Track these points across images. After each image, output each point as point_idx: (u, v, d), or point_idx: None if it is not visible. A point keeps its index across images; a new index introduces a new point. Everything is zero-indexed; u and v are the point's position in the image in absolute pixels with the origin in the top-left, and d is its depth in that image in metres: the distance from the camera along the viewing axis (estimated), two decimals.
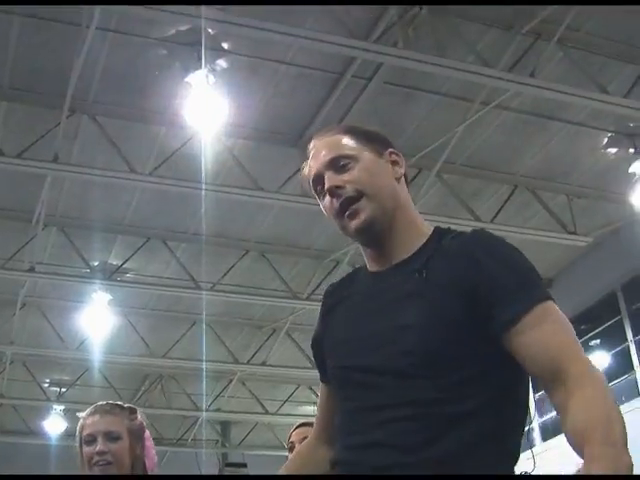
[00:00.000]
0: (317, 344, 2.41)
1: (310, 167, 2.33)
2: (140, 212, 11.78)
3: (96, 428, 3.47)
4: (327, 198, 2.26)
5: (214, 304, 13.72)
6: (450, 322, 2.07)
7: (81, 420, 3.52)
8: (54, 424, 17.67)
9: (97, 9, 7.81)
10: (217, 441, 19.81)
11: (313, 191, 2.33)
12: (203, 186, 10.08)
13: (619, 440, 1.86)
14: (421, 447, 2.01)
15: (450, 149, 10.27)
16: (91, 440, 3.45)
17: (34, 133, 9.75)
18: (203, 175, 9.90)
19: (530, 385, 2.22)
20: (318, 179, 2.29)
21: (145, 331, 14.85)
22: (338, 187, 2.22)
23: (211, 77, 8.91)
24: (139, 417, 3.59)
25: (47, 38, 8.80)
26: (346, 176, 2.23)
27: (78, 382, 16.61)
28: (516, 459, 2.15)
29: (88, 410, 3.53)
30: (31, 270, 12.05)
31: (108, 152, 10.01)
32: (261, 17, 7.86)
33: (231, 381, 16.96)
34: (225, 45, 8.98)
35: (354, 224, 2.22)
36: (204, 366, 14.62)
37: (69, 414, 17.17)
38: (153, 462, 3.61)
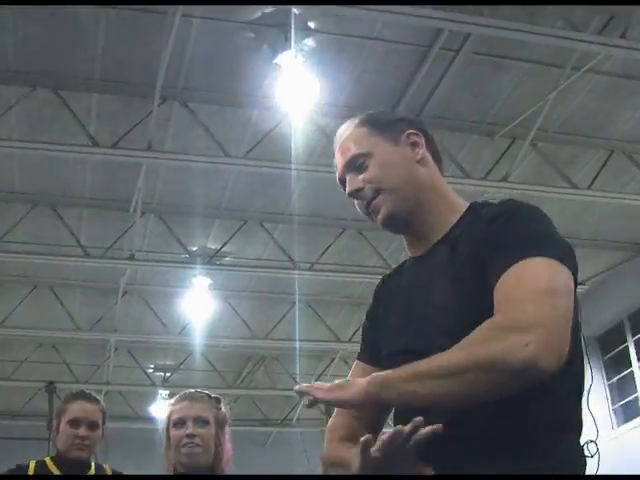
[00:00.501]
0: (367, 323, 2.43)
1: (335, 167, 2.36)
2: (236, 195, 11.79)
3: (186, 413, 3.67)
4: (354, 200, 2.32)
5: (313, 283, 13.70)
6: (480, 296, 2.02)
7: (170, 406, 3.75)
8: (160, 408, 17.94)
9: None
10: (321, 420, 19.88)
11: (342, 189, 2.36)
12: (294, 167, 10.04)
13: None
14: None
15: (543, 117, 10.01)
16: (181, 423, 3.66)
17: (127, 123, 9.82)
18: (293, 155, 9.85)
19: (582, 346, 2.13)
20: (342, 182, 2.34)
21: (246, 313, 14.91)
22: (357, 190, 2.27)
23: (300, 57, 8.83)
24: (223, 408, 3.73)
25: (134, 29, 8.83)
26: (363, 176, 2.25)
27: (182, 366, 16.83)
28: (575, 425, 2.10)
29: (177, 397, 3.77)
30: (131, 258, 12.19)
31: (201, 137, 10.03)
32: None
33: (333, 360, 16.97)
34: (311, 24, 8.87)
35: (379, 220, 2.27)
36: (297, 345, 14.61)
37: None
38: (228, 455, 3.74)
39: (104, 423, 4.25)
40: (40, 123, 10.04)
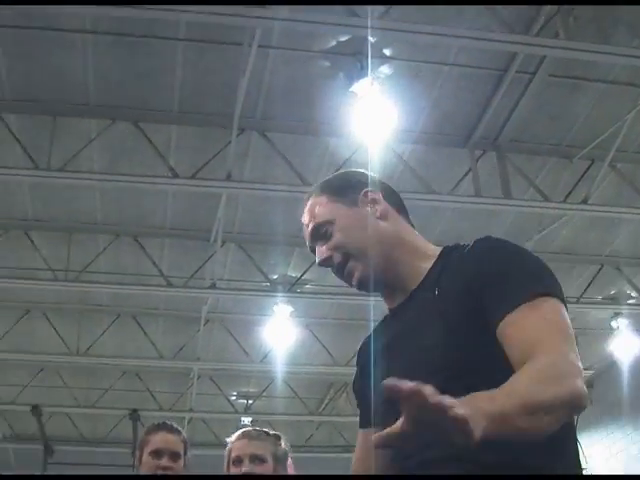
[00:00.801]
0: (356, 393, 2.48)
1: (304, 238, 2.40)
2: None
3: (243, 451, 3.75)
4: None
5: None
6: (468, 333, 2.02)
7: (229, 444, 3.75)
8: None
9: (258, 30, 7.90)
10: None
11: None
12: None
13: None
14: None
15: (621, 137, 9.81)
16: (238, 461, 3.76)
17: (206, 153, 9.91)
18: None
19: None
20: (312, 251, 2.39)
21: (327, 340, 14.88)
22: (326, 259, 2.31)
23: (375, 84, 8.82)
24: (283, 444, 3.75)
25: (211, 60, 8.93)
26: (328, 244, 2.30)
27: (264, 394, 16.88)
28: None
29: (236, 434, 3.78)
30: (212, 287, 12.27)
31: (279, 166, 10.06)
32: (421, 21, 7.76)
33: None
34: (387, 52, 8.87)
35: (355, 285, 2.31)
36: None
37: (257, 425, 17.45)
38: None
39: (186, 453, 4.23)
40: (120, 155, 10.21)
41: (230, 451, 3.78)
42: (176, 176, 9.95)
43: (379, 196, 2.35)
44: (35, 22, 8.34)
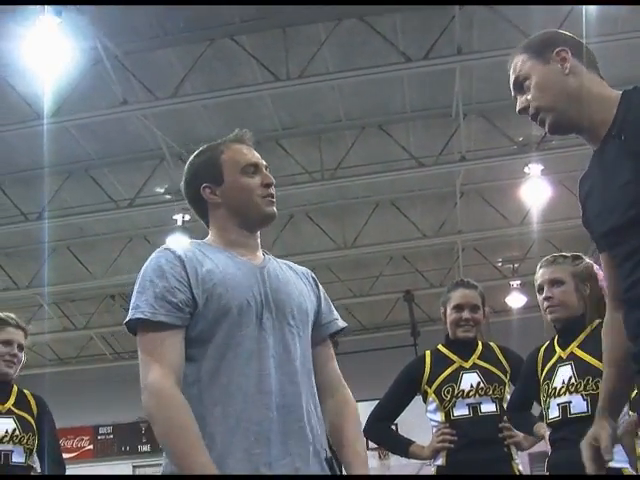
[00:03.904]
0: (583, 222, 2.73)
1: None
2: None
3: (542, 279, 4.04)
4: None
5: None
6: None
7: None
8: (515, 299, 18.24)
9: None
10: None
11: None
12: None
13: None
14: None
15: None
16: (540, 289, 4.04)
17: (432, 33, 10.05)
18: None
19: None
20: (515, 100, 2.69)
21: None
22: (523, 109, 2.63)
23: None
24: (584, 261, 3.97)
25: None
26: (525, 97, 2.62)
27: (528, 255, 16.94)
28: None
29: (538, 266, 4.02)
30: (462, 159, 12.51)
31: (508, 32, 10.02)
32: None
33: None
34: None
35: (547, 131, 2.65)
36: None
37: (526, 287, 17.65)
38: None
39: (484, 305, 4.64)
40: (352, 51, 10.52)
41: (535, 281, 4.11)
42: (409, 60, 10.18)
43: (568, 54, 2.59)
44: None
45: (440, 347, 4.69)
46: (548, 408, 3.99)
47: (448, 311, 4.62)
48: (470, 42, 10.45)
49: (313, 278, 2.97)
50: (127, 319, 2.56)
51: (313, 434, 2.58)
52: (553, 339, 4.12)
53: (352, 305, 18.55)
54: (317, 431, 2.60)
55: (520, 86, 2.63)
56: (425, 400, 4.59)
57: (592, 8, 9.67)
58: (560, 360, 3.95)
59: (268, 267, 2.76)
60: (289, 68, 10.36)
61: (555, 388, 3.96)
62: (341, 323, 2.94)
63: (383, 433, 4.74)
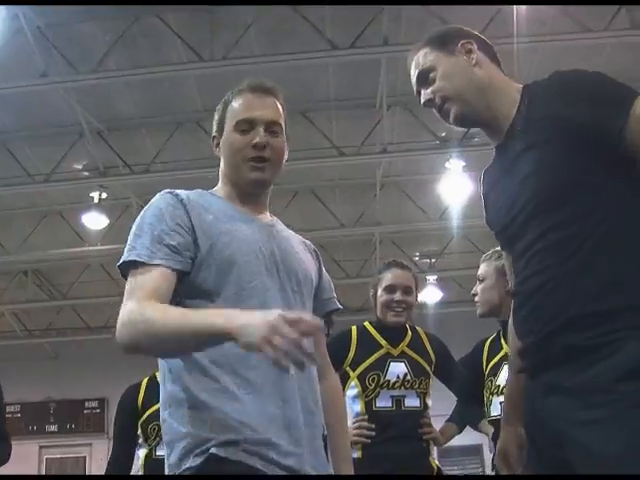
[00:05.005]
0: (487, 223, 2.78)
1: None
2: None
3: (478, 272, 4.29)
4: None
5: None
6: (560, 157, 2.33)
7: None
8: (429, 294, 18.33)
9: None
10: None
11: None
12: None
13: None
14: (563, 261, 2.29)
15: None
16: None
17: (360, 23, 10.09)
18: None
19: None
20: (418, 94, 2.68)
21: None
22: (429, 100, 2.61)
23: None
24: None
25: None
26: (431, 88, 2.60)
27: (446, 250, 17.10)
28: None
29: None
30: (384, 151, 12.55)
31: (434, 25, 10.04)
32: None
33: None
34: None
35: (450, 122, 2.60)
36: None
37: (442, 282, 17.81)
38: None
39: (417, 289, 4.51)
40: (278, 37, 10.49)
41: None
42: (335, 48, 10.18)
43: (474, 46, 2.60)
44: None
45: (368, 326, 4.48)
46: (490, 405, 3.99)
47: (379, 292, 4.41)
48: (397, 34, 10.47)
49: (315, 251, 2.88)
50: (121, 261, 2.39)
51: (318, 407, 2.50)
52: (499, 333, 4.13)
53: None
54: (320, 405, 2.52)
55: (425, 79, 2.62)
56: (344, 383, 4.26)
57: (522, 8, 9.78)
58: (506, 357, 3.87)
59: (276, 226, 2.67)
60: (214, 49, 10.28)
61: (498, 386, 3.95)
62: (338, 303, 2.86)
63: None
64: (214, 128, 2.69)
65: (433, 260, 17.65)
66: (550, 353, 2.29)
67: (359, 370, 4.27)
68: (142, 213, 2.47)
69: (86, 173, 13.19)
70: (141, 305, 2.26)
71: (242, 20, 10.18)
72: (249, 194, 2.64)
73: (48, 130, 12.58)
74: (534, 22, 10.13)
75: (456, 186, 13.76)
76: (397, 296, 4.36)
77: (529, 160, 2.39)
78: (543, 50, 10.60)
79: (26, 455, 16.79)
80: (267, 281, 2.46)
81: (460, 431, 4.53)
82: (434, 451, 4.41)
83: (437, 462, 4.37)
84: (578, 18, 10.04)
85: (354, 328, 4.44)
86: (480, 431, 4.28)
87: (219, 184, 2.69)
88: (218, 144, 2.67)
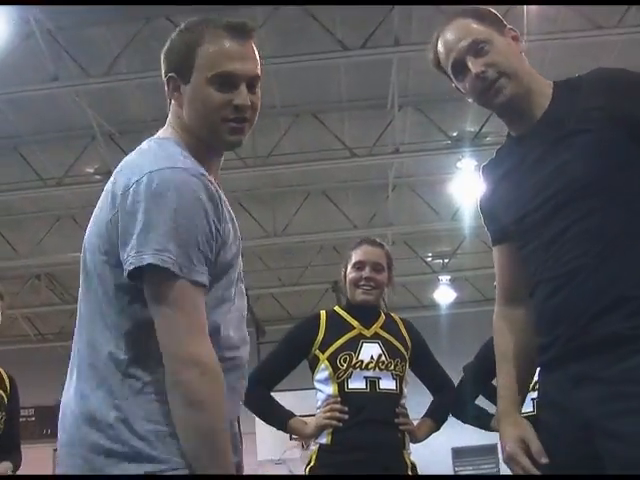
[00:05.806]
0: (486, 212, 2.68)
1: (447, 51, 2.53)
2: None
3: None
4: (471, 80, 2.48)
5: None
6: (607, 147, 2.32)
7: None
8: (443, 294, 18.34)
9: None
10: None
11: (450, 72, 2.55)
12: None
13: None
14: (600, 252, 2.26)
15: None
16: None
17: (371, 23, 10.07)
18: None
19: None
20: (458, 63, 2.50)
21: None
22: (482, 72, 2.44)
23: None
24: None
25: None
26: (485, 60, 2.45)
27: (458, 251, 17.07)
28: None
29: None
30: (396, 152, 12.53)
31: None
32: None
33: None
34: None
35: (499, 99, 2.46)
36: None
37: (456, 282, 17.78)
38: None
39: (390, 269, 4.21)
40: (289, 37, 10.47)
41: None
42: (346, 49, 10.16)
43: (519, 35, 2.56)
44: None
45: (337, 309, 4.23)
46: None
47: (348, 269, 4.15)
48: (408, 34, 10.43)
49: None
50: (146, 261, 1.95)
51: None
52: None
53: (281, 294, 18.54)
54: None
55: (478, 49, 2.46)
56: (314, 367, 4.07)
57: (533, 6, 9.75)
58: None
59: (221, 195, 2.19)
60: None
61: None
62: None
63: (262, 401, 4.12)
64: (170, 65, 2.25)
65: (446, 260, 17.63)
66: (584, 342, 2.24)
67: (329, 351, 4.02)
68: (169, 197, 1.98)
69: (98, 176, 13.17)
70: (219, 369, 2.02)
71: (253, 20, 10.14)
72: (216, 155, 2.30)
73: (60, 134, 12.59)
74: (544, 20, 10.11)
75: (468, 186, 13.71)
76: (365, 272, 4.10)
77: (569, 147, 2.36)
78: (553, 48, 10.56)
79: (40, 459, 16.80)
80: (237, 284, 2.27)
81: (437, 428, 4.29)
82: (409, 445, 4.10)
83: (412, 457, 4.09)
84: (589, 16, 9.99)
85: (323, 312, 4.19)
86: (492, 430, 4.09)
87: (171, 131, 2.27)
88: (178, 88, 2.23)
